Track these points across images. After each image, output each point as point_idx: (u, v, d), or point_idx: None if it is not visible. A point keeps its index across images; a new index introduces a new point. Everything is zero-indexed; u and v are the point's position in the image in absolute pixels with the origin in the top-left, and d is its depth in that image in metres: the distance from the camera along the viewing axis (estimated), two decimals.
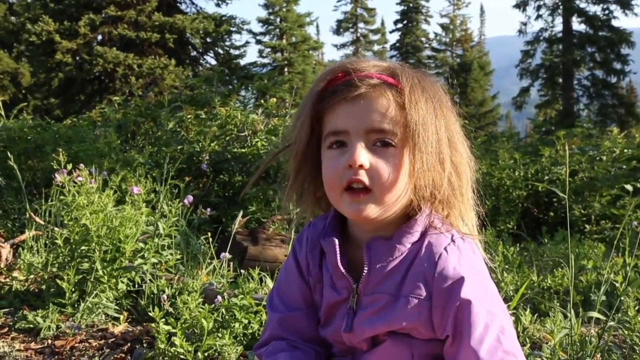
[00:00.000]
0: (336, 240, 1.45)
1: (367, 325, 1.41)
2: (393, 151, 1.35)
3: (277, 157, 1.60)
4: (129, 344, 2.98)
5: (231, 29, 26.81)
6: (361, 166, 1.34)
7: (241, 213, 4.53)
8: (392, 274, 1.40)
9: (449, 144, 1.39)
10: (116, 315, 3.36)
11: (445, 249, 1.37)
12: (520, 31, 32.56)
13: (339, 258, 1.44)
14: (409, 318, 1.36)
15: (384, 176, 1.34)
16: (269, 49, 37.06)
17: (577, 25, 31.54)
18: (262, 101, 8.13)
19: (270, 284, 3.54)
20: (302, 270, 1.56)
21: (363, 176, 1.35)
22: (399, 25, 45.11)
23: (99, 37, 25.72)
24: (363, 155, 1.34)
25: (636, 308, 2.75)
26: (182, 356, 2.73)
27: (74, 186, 3.52)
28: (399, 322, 1.37)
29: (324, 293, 1.51)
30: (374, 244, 1.42)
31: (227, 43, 27.52)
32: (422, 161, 1.34)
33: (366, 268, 1.41)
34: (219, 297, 2.95)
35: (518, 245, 6.20)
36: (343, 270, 1.44)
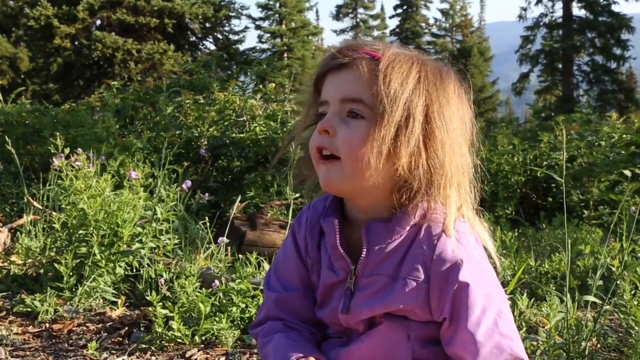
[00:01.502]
0: (336, 221, 1.45)
1: (364, 306, 1.41)
2: (363, 122, 1.35)
3: (276, 144, 1.61)
4: (126, 328, 2.99)
5: (230, 14, 26.78)
6: (327, 132, 1.36)
7: (239, 198, 4.54)
8: (390, 255, 1.39)
9: (427, 124, 1.36)
10: (114, 299, 3.37)
11: (444, 231, 1.37)
12: (520, 16, 32.43)
13: (338, 238, 1.44)
14: (407, 300, 1.37)
15: (347, 143, 1.35)
16: (268, 35, 36.92)
17: (577, 10, 31.45)
18: (260, 86, 8.11)
19: (267, 268, 3.54)
20: (300, 251, 1.56)
21: (328, 142, 1.37)
22: (399, 11, 44.97)
23: (98, 22, 25.68)
24: (328, 122, 1.37)
25: (632, 292, 2.76)
26: (179, 340, 2.75)
27: (72, 171, 3.52)
28: (396, 303, 1.37)
29: (322, 274, 1.50)
30: (372, 226, 1.41)
31: (226, 28, 27.51)
32: (381, 132, 1.32)
33: (365, 249, 1.41)
34: (217, 282, 2.96)
35: (516, 230, 6.21)
36: (342, 251, 1.44)
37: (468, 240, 1.40)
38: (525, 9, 32.29)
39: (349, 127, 1.35)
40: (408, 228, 1.39)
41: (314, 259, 1.53)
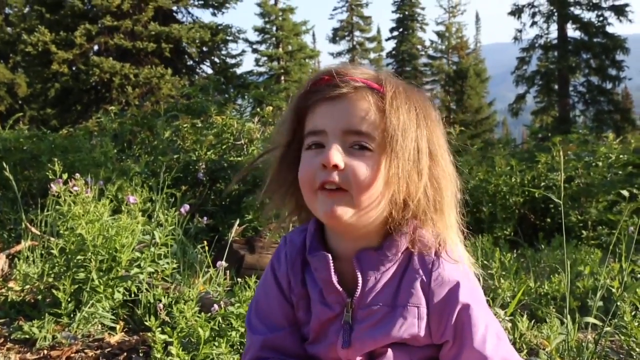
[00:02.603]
0: (329, 256, 1.42)
1: (367, 338, 1.40)
2: (370, 155, 1.33)
3: (263, 162, 1.58)
4: (125, 354, 2.97)
5: (227, 38, 26.91)
6: (335, 167, 1.32)
7: (237, 221, 4.53)
8: (386, 284, 1.39)
9: (430, 156, 1.37)
10: (112, 324, 3.35)
11: (436, 254, 1.38)
12: (515, 38, 32.62)
13: (333, 274, 1.41)
14: (409, 328, 1.37)
15: (359, 177, 1.32)
16: (265, 58, 37.10)
17: (572, 31, 31.65)
18: (258, 110, 8.14)
19: None
20: (283, 289, 1.52)
21: (337, 177, 1.33)
22: (395, 33, 45.23)
23: (95, 47, 25.79)
24: (337, 156, 1.32)
25: (632, 313, 2.75)
26: None
27: (70, 196, 3.52)
28: (399, 333, 1.37)
29: (313, 309, 1.47)
30: (363, 255, 1.40)
31: (224, 52, 27.62)
32: (398, 167, 1.32)
33: (360, 281, 1.39)
34: (216, 306, 2.95)
35: (515, 251, 6.19)
36: (338, 286, 1.41)
37: (460, 261, 1.41)
38: (520, 31, 32.50)
39: (358, 160, 1.33)
40: (400, 255, 1.39)
41: (299, 295, 1.50)
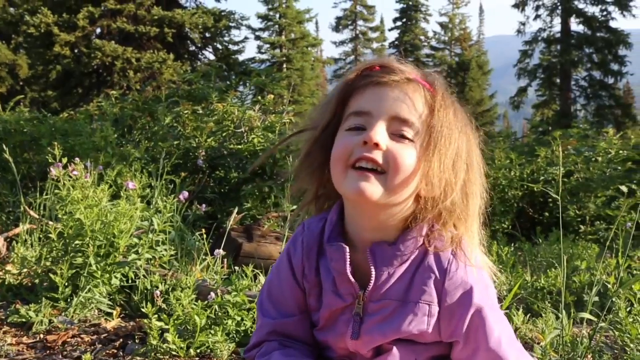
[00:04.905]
0: (346, 248, 1.42)
1: (376, 332, 1.40)
2: (412, 146, 1.34)
3: (274, 155, 1.59)
4: (121, 340, 2.98)
5: (230, 24, 26.79)
6: (377, 145, 1.32)
7: (236, 209, 4.54)
8: (399, 279, 1.39)
9: (467, 162, 1.39)
10: (109, 310, 3.36)
11: (452, 254, 1.38)
12: (518, 31, 32.57)
13: (348, 266, 1.41)
14: (419, 324, 1.37)
15: (402, 161, 1.32)
16: (267, 45, 37.05)
17: (576, 25, 31.61)
18: (259, 97, 8.13)
19: (263, 281, 3.53)
20: (297, 275, 1.52)
21: (377, 155, 1.32)
22: (398, 23, 45.12)
23: (98, 30, 25.68)
24: (381, 135, 1.32)
25: (627, 309, 2.76)
26: (174, 352, 2.74)
27: (69, 180, 3.52)
28: (408, 328, 1.37)
29: (325, 299, 1.48)
30: (377, 249, 1.40)
31: (226, 38, 27.51)
32: (439, 162, 1.33)
33: (373, 275, 1.39)
34: (212, 294, 2.95)
35: (512, 245, 6.21)
36: (351, 278, 1.42)
37: (475, 261, 1.41)
38: (523, 24, 32.45)
39: (401, 146, 1.33)
40: (414, 251, 1.39)
41: (313, 283, 1.50)
